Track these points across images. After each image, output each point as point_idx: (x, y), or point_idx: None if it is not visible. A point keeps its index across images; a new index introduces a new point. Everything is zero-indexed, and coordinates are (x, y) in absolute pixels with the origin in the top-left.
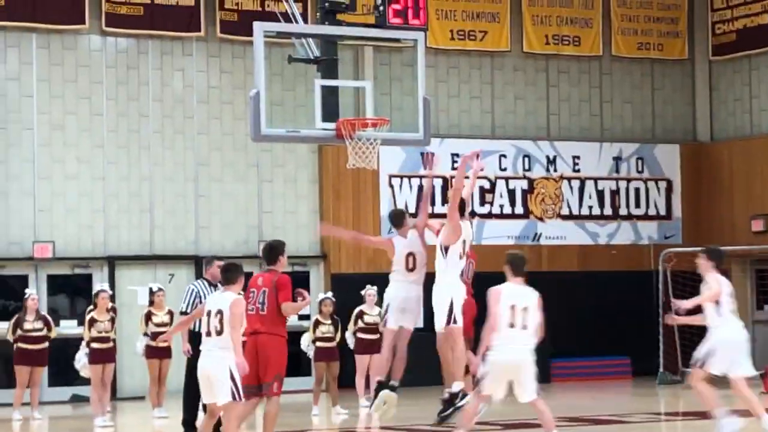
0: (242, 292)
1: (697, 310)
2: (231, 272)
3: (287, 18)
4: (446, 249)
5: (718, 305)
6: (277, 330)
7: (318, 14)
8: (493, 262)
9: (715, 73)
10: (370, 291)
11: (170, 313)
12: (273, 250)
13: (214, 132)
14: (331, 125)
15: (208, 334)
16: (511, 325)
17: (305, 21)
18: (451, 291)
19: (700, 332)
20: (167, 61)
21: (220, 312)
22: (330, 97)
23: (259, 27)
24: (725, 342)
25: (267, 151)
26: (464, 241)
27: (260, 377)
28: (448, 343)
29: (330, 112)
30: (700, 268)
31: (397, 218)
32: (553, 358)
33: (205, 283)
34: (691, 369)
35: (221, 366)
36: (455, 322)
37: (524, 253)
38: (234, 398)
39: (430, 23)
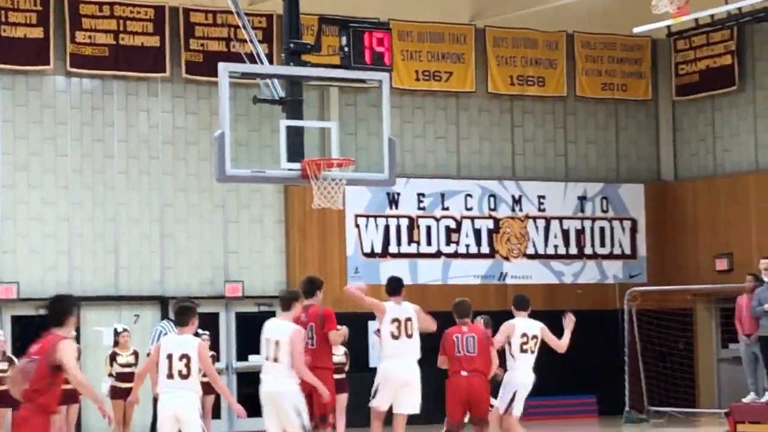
0: (199, 331)
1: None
2: (186, 314)
3: (252, 59)
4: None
5: (510, 346)
6: (326, 363)
7: (283, 55)
8: None
9: (679, 113)
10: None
11: (135, 353)
12: (312, 284)
13: (180, 173)
14: (297, 165)
15: (170, 377)
16: (268, 358)
17: (270, 62)
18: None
19: (666, 373)
20: (132, 102)
21: (186, 356)
22: (295, 137)
23: (224, 68)
24: (524, 386)
25: (232, 191)
26: (398, 320)
27: (317, 412)
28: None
29: (295, 152)
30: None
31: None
32: None
33: (172, 323)
34: (502, 417)
35: (192, 407)
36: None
37: (296, 289)
38: None
39: (396, 64)
